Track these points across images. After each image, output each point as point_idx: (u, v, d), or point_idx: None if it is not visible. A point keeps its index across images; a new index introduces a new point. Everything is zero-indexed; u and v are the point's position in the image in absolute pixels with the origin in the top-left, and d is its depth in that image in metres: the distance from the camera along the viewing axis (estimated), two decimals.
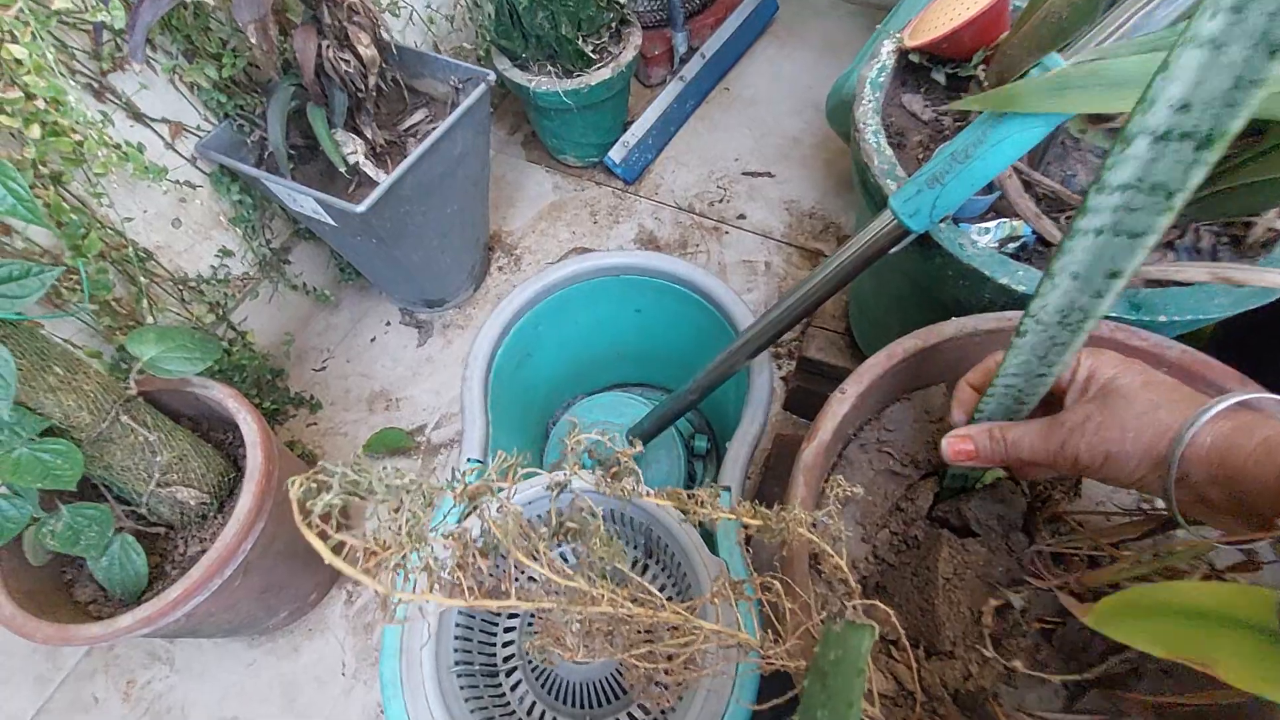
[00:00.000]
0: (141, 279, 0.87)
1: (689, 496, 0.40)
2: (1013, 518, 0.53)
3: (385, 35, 0.94)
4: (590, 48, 1.21)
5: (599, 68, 1.23)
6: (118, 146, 0.82)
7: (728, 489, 0.71)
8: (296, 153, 1.00)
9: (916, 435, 0.57)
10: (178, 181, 0.94)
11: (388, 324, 1.27)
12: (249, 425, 0.82)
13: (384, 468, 0.26)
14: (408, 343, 1.25)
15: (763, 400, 0.76)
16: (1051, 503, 0.54)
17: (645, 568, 0.82)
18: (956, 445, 0.42)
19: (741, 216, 1.39)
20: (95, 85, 0.81)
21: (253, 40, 0.71)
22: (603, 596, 0.29)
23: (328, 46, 0.85)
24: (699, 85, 1.55)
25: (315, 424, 1.17)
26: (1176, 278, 0.52)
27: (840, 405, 0.51)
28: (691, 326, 0.91)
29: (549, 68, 1.23)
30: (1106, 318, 0.55)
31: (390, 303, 1.28)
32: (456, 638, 0.71)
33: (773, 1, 1.68)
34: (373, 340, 1.25)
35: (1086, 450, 0.36)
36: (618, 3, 1.21)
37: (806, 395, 1.08)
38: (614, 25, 1.24)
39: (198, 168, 0.97)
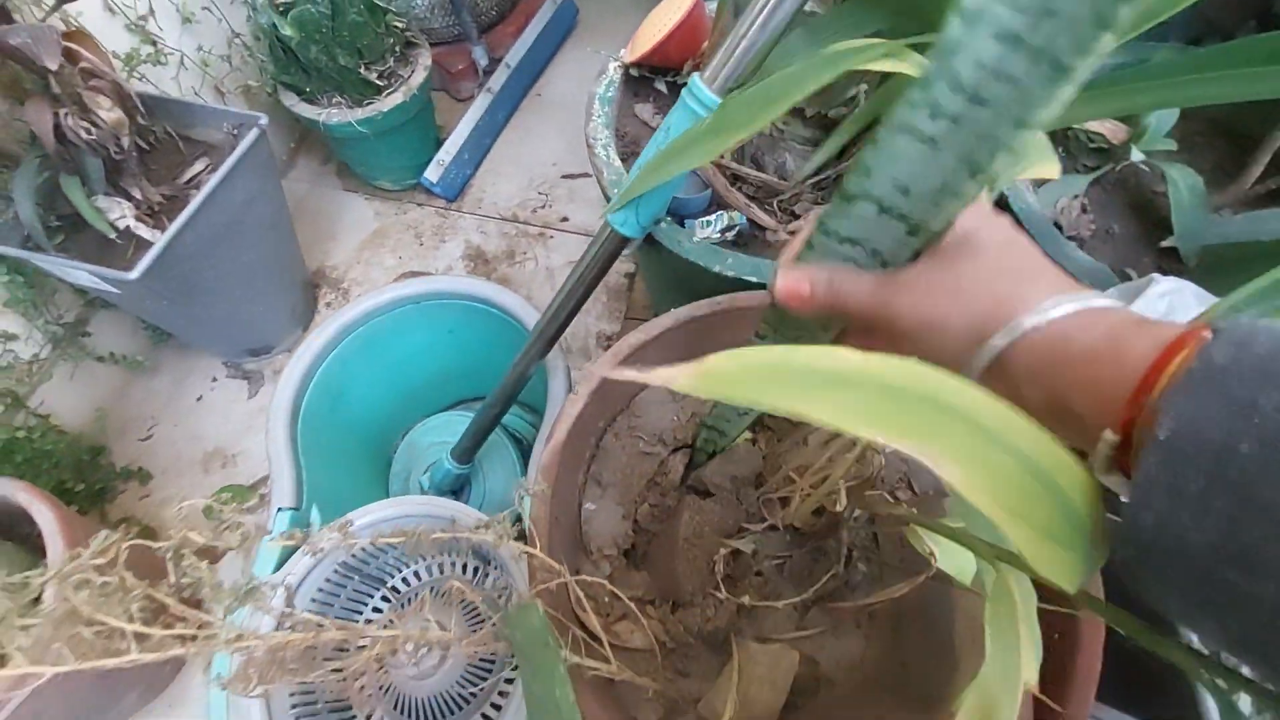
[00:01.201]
0: None
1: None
2: (746, 475, 0.61)
3: (138, 91, 0.91)
4: (375, 75, 1.21)
5: (390, 93, 1.24)
6: None
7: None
8: (65, 222, 0.95)
9: (662, 417, 0.64)
10: None
11: (214, 380, 1.23)
12: (44, 516, 0.79)
13: None
14: (238, 396, 1.22)
15: (559, 402, 0.81)
16: (777, 454, 0.62)
17: (486, 575, 0.86)
18: (792, 283, 0.32)
19: (564, 219, 1.43)
20: None
21: None
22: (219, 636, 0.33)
23: (66, 115, 0.82)
24: (509, 95, 1.58)
25: (148, 496, 1.13)
26: None
27: (573, 406, 0.57)
28: (501, 339, 0.95)
29: (338, 99, 1.22)
30: None
31: (212, 357, 1.25)
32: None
33: (571, 5, 1.72)
34: (199, 399, 1.22)
35: (909, 312, 0.29)
36: (396, 27, 1.22)
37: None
38: (398, 49, 1.24)
39: None
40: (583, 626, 0.53)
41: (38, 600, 0.31)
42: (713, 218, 0.70)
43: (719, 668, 0.54)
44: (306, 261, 1.30)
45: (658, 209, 0.61)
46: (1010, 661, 0.27)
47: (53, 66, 0.71)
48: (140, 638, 0.30)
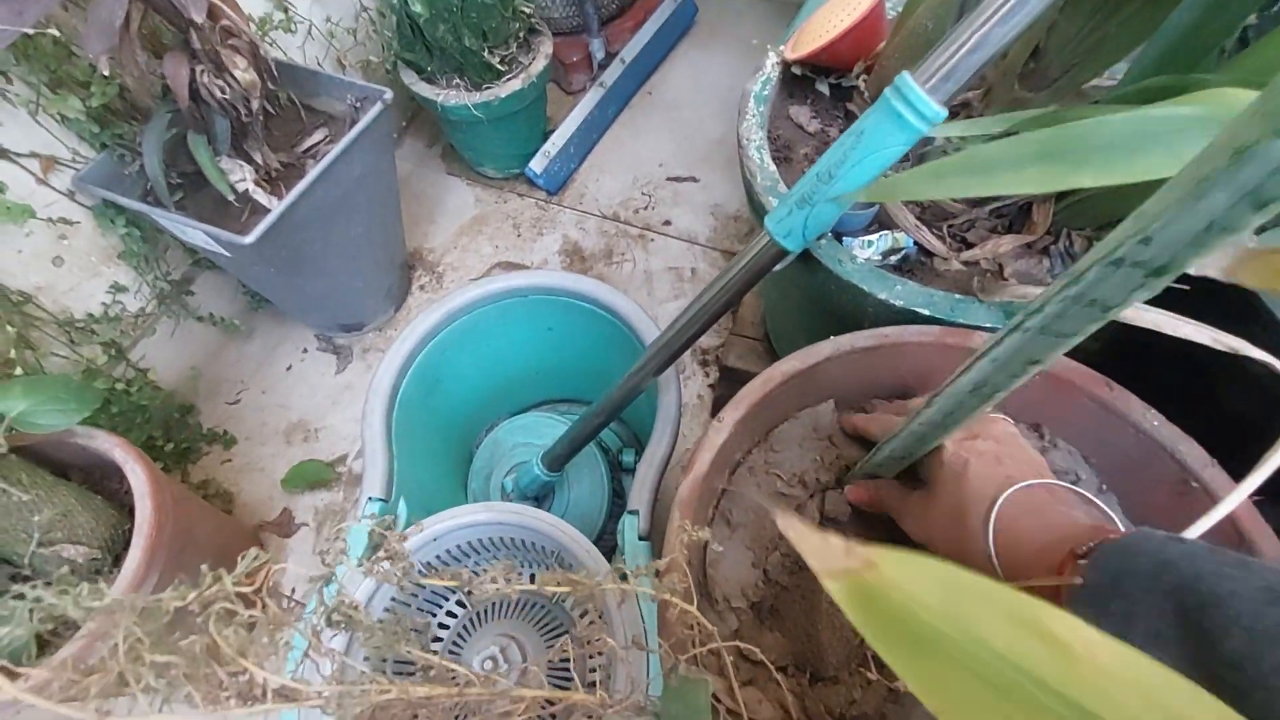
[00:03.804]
0: (11, 326, 0.82)
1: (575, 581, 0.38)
2: (900, 534, 0.53)
3: (270, 56, 0.90)
4: (498, 59, 1.18)
5: (509, 79, 1.21)
6: None
7: (635, 513, 0.70)
8: (186, 180, 0.95)
9: (804, 454, 0.57)
10: (52, 219, 0.88)
11: (304, 351, 1.22)
12: (137, 475, 0.78)
13: (85, 588, 0.24)
14: (326, 370, 1.21)
15: (670, 420, 0.75)
16: None
17: (566, 596, 0.81)
18: (856, 493, 0.52)
19: (667, 223, 1.38)
20: None
21: (105, 73, 0.67)
22: (373, 688, 0.27)
23: (202, 71, 0.81)
24: (620, 91, 1.54)
25: (230, 460, 1.13)
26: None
27: (718, 434, 0.51)
28: (604, 341, 0.89)
29: (457, 80, 1.20)
30: (982, 328, 0.55)
31: (305, 328, 1.24)
32: None
33: (691, 3, 1.67)
34: (289, 369, 1.21)
35: (914, 534, 0.45)
36: (524, 12, 1.19)
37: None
38: (522, 35, 1.21)
39: (77, 202, 0.92)
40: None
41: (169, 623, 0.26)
42: (875, 237, 0.62)
43: None
44: (405, 242, 1.28)
45: (828, 222, 0.54)
46: None
47: (198, 19, 0.69)
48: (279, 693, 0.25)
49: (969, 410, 0.38)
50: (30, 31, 0.66)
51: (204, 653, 0.24)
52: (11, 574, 0.78)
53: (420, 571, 0.33)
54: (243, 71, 0.82)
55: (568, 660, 0.44)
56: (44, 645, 0.78)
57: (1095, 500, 0.45)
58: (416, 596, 0.75)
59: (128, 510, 0.85)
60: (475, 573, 0.33)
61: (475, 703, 0.34)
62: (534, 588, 0.35)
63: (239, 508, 1.09)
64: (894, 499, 0.47)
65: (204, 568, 0.25)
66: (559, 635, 0.79)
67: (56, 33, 0.69)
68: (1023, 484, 0.40)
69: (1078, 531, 0.35)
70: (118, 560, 0.82)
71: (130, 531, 0.84)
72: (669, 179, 1.44)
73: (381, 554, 0.32)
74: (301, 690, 0.25)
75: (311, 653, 0.28)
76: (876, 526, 0.54)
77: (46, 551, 0.76)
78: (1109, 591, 0.28)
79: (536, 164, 1.38)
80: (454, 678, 0.31)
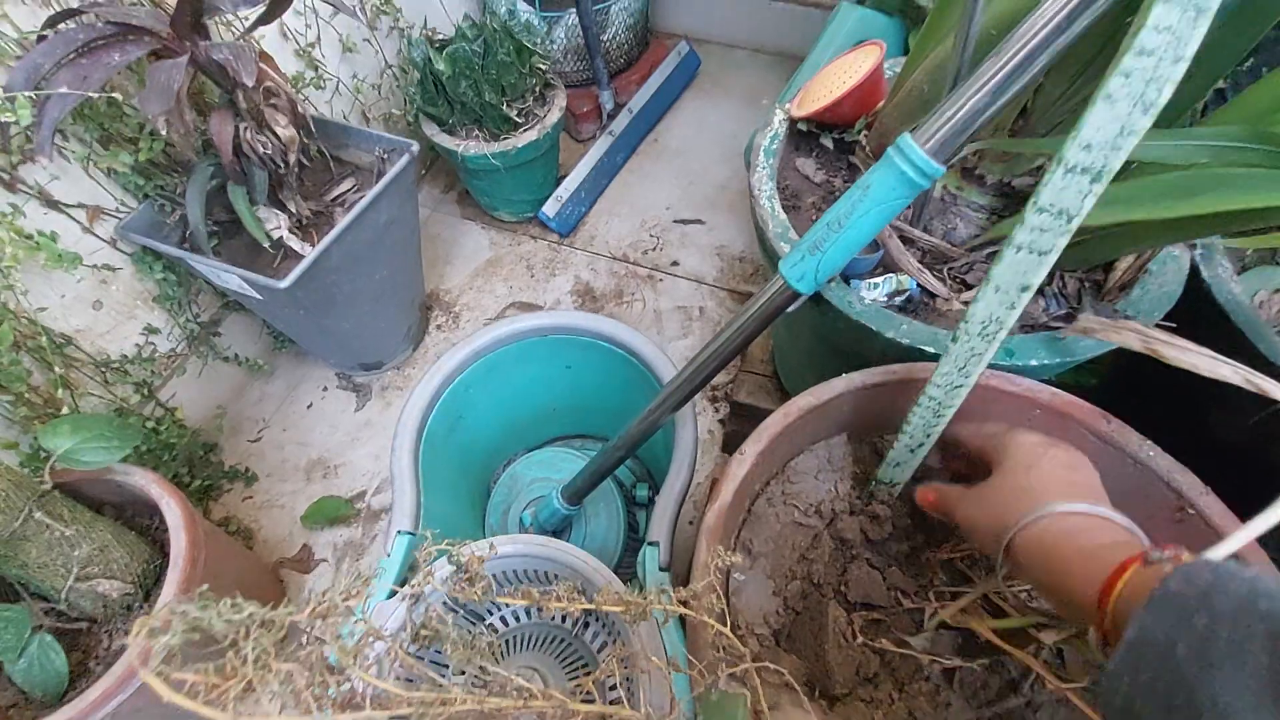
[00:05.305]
0: (58, 368, 0.86)
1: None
2: (913, 560, 0.56)
3: (306, 112, 0.96)
4: (515, 112, 1.24)
5: (525, 130, 1.27)
6: (29, 237, 0.82)
7: (655, 544, 0.72)
8: (221, 228, 1.00)
9: (819, 485, 0.60)
10: (96, 266, 0.93)
11: (324, 389, 1.26)
12: (172, 511, 0.80)
13: (227, 603, 0.27)
14: (345, 407, 1.24)
15: (687, 454, 0.78)
16: (941, 546, 0.57)
17: (586, 625, 0.83)
18: (923, 494, 0.53)
19: (675, 264, 1.43)
20: (4, 178, 0.80)
21: (162, 131, 0.72)
22: (457, 697, 0.30)
23: (245, 129, 0.86)
24: (628, 138, 1.61)
25: (251, 497, 1.15)
26: (1105, 337, 0.56)
27: (739, 467, 0.54)
28: (619, 379, 0.93)
29: (476, 132, 1.26)
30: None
31: (326, 367, 1.28)
32: None
33: (695, 57, 1.76)
34: (309, 407, 1.24)
35: (962, 518, 0.47)
36: (539, 68, 1.26)
37: (740, 438, 1.10)
38: (537, 89, 1.28)
39: (119, 249, 0.97)
40: None
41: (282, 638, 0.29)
42: (880, 280, 0.67)
43: None
44: (424, 283, 1.33)
45: (838, 266, 0.58)
46: None
47: (250, 83, 0.75)
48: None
49: (979, 356, 0.45)
50: (94, 94, 0.71)
51: (318, 662, 0.26)
52: (46, 609, 0.81)
53: (453, 601, 0.36)
54: (283, 128, 0.87)
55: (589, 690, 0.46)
56: (77, 679, 0.80)
57: None
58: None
59: (159, 546, 0.87)
60: (544, 592, 0.36)
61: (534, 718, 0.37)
62: (594, 606, 0.37)
63: (259, 544, 1.11)
64: (953, 494, 0.49)
65: (309, 588, 0.28)
66: (580, 668, 0.81)
67: (118, 95, 0.75)
68: (1089, 508, 0.39)
69: (1141, 545, 0.36)
70: (149, 595, 0.84)
71: (160, 567, 0.86)
72: (676, 222, 1.50)
73: (463, 575, 0.35)
74: (395, 698, 0.28)
75: (395, 666, 0.31)
76: (888, 551, 0.56)
77: (83, 586, 0.78)
78: (1194, 604, 0.28)
79: (549, 208, 1.44)
80: (515, 692, 0.34)
